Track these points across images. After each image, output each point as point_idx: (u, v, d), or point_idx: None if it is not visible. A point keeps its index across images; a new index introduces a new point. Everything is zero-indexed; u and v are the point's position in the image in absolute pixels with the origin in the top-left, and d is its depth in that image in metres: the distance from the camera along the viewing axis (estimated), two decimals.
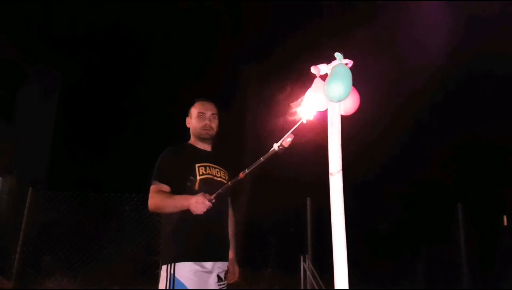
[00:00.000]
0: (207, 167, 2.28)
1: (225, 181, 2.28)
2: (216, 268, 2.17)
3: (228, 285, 2.27)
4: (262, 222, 7.24)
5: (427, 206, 9.39)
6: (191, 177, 2.21)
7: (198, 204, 2.02)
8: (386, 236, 10.20)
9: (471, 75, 10.35)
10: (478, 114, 11.09)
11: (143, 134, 12.29)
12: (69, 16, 10.62)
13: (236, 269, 2.39)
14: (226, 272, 2.26)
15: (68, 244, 6.26)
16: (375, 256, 8.57)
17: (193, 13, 9.78)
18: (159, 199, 2.15)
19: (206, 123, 2.35)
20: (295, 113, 1.40)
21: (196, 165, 2.25)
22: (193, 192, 2.10)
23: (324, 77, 1.28)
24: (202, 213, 2.03)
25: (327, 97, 1.22)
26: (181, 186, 2.18)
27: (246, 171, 1.87)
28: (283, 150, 1.63)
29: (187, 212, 2.06)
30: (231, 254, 2.35)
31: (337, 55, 1.25)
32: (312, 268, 5.13)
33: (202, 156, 2.32)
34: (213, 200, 2.03)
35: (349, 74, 1.21)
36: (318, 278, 4.95)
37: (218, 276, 2.17)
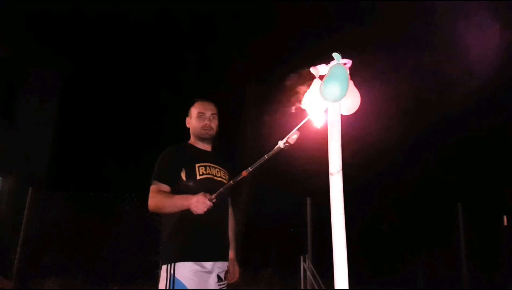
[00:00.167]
0: (207, 167, 2.27)
1: (225, 181, 2.27)
2: (216, 268, 2.16)
3: (228, 285, 2.26)
4: (262, 222, 7.24)
5: (427, 206, 9.39)
6: (191, 177, 2.20)
7: (199, 204, 2.00)
8: (386, 236, 10.21)
9: (471, 75, 10.35)
10: (478, 114, 11.09)
11: (143, 134, 12.31)
12: (67, 13, 10.60)
13: (236, 269, 2.38)
14: (226, 272, 2.25)
15: (68, 244, 6.26)
16: (375, 256, 8.57)
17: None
18: (159, 199, 2.14)
19: (206, 123, 2.34)
20: (299, 110, 1.39)
21: (196, 165, 2.24)
22: (193, 192, 2.09)
23: (323, 77, 1.28)
24: (202, 213, 2.01)
25: (323, 97, 1.21)
26: (181, 186, 2.18)
27: (250, 169, 1.84)
28: (288, 147, 1.60)
29: (187, 212, 2.05)
30: (231, 254, 2.34)
31: (335, 55, 1.24)
32: (312, 268, 5.12)
33: (202, 156, 2.31)
34: (214, 200, 2.02)
35: (345, 74, 1.20)
36: (318, 278, 4.95)
37: (218, 276, 2.16)
